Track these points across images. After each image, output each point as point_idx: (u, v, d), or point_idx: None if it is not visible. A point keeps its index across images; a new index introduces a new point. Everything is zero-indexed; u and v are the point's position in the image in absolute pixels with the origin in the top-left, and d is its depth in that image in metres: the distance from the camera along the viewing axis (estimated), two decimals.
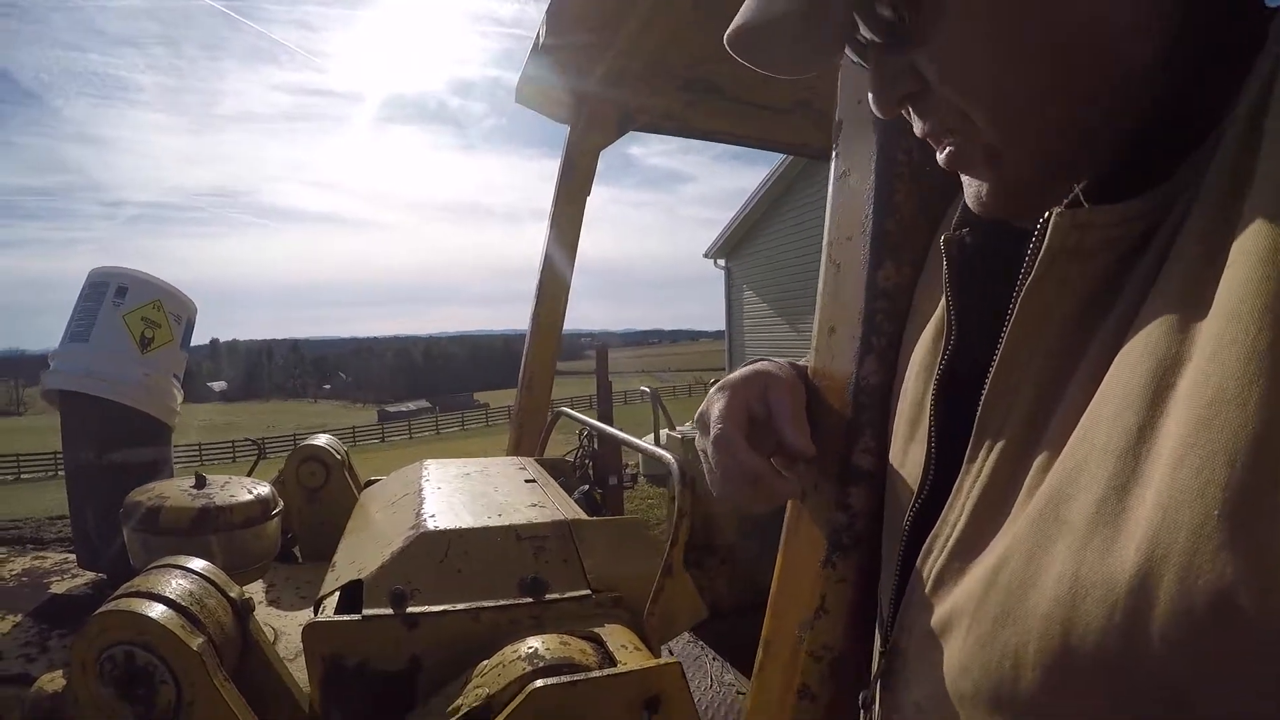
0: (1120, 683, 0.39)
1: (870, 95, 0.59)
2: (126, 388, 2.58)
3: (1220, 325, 0.37)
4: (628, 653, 1.45)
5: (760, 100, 2.82)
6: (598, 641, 1.48)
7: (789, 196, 14.85)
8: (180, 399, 2.88)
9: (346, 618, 1.51)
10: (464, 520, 1.76)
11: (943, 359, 0.64)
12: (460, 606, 1.54)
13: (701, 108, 2.84)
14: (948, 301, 0.65)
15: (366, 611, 1.52)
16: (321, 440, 2.91)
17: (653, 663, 1.38)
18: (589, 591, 1.64)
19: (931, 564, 0.57)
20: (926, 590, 0.57)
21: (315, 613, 1.61)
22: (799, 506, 0.89)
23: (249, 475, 2.53)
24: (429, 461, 2.55)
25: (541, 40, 2.34)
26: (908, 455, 0.70)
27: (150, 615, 1.32)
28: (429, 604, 1.54)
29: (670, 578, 1.59)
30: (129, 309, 2.69)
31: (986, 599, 0.49)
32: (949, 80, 0.52)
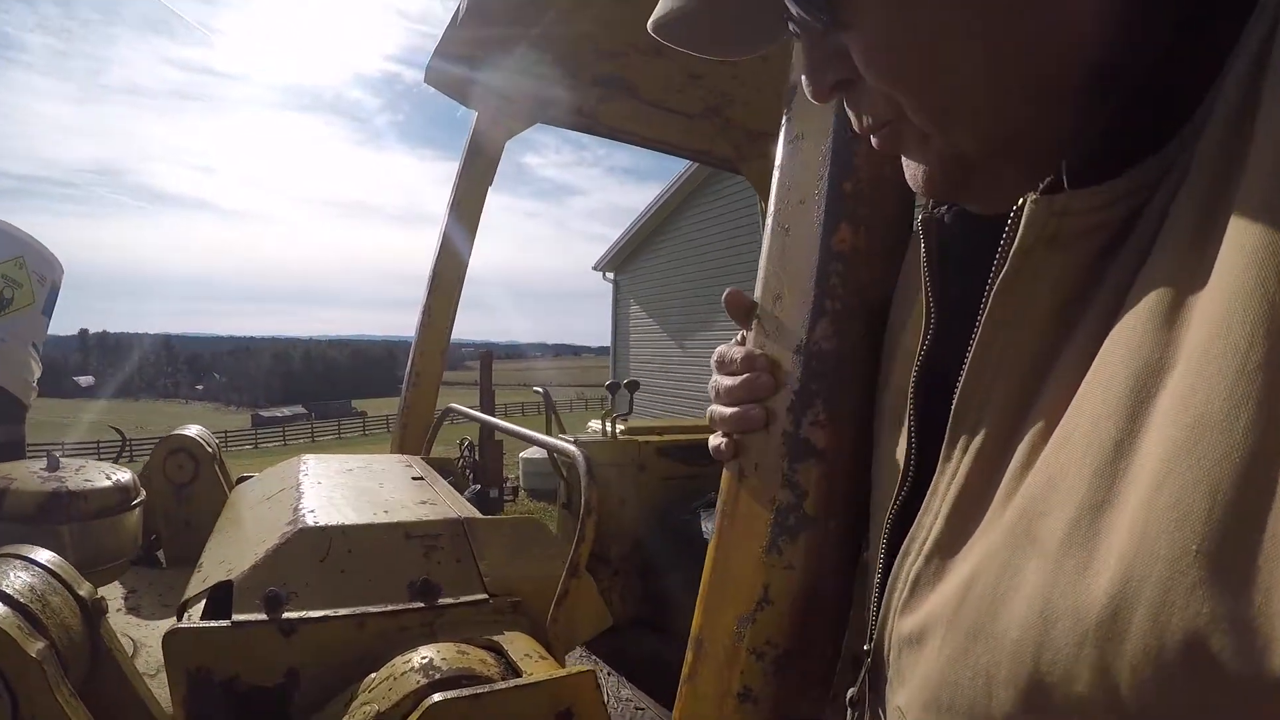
0: (1090, 715, 0.37)
1: (804, 79, 0.57)
2: None
3: (1208, 335, 0.34)
4: (532, 662, 1.35)
5: (672, 105, 2.79)
6: (498, 651, 1.38)
7: (683, 212, 14.86)
8: (38, 372, 2.64)
9: (214, 624, 1.35)
10: (347, 516, 1.62)
11: (922, 346, 0.62)
12: (343, 612, 1.40)
13: (613, 106, 2.78)
14: (925, 285, 0.62)
15: (237, 617, 1.36)
16: (192, 431, 2.72)
17: (563, 672, 1.29)
18: (486, 596, 1.53)
19: (909, 566, 0.55)
20: (905, 593, 0.55)
21: (179, 619, 1.43)
22: (736, 487, 0.81)
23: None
24: (308, 457, 2.38)
25: (459, 18, 2.24)
26: (890, 448, 0.67)
27: None
28: (308, 608, 1.40)
29: (576, 579, 1.50)
30: None
31: (960, 613, 0.47)
32: (874, 65, 0.50)
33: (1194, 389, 0.34)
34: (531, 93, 2.69)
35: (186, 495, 2.58)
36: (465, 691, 1.17)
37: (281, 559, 1.48)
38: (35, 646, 1.18)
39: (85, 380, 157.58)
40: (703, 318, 13.83)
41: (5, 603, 1.21)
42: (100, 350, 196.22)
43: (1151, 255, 0.41)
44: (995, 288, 0.49)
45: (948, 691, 0.47)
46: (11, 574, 1.28)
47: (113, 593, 2.19)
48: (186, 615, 1.44)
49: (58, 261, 2.62)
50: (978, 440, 0.50)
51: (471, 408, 3.36)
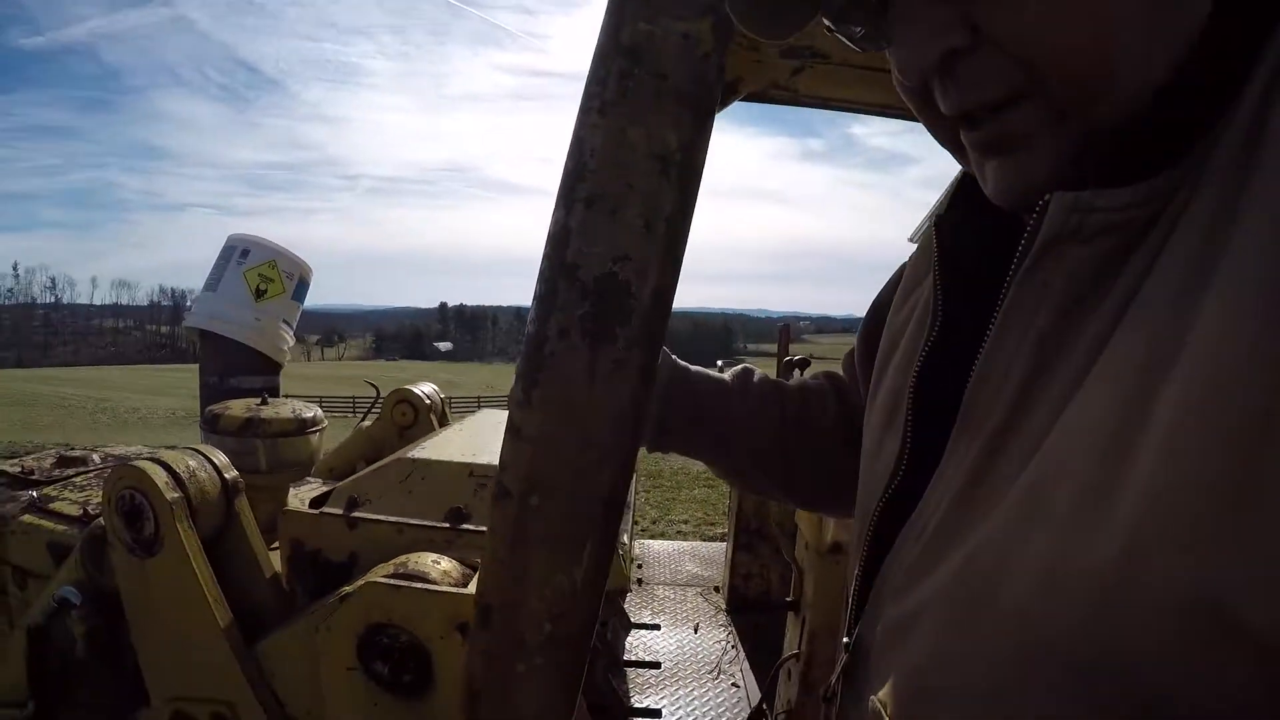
0: (1096, 680, 0.37)
1: (901, 55, 0.51)
2: (242, 328, 3.25)
3: (1222, 315, 0.35)
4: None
5: (869, 63, 2.72)
6: (475, 569, 1.63)
7: None
8: (291, 341, 3.54)
9: (306, 510, 1.81)
10: (440, 454, 1.97)
11: (926, 344, 0.62)
12: (391, 519, 1.76)
13: (809, 76, 2.78)
14: (936, 285, 0.62)
15: (325, 510, 1.80)
16: (418, 388, 3.19)
17: (466, 593, 1.48)
18: None
19: (905, 558, 0.54)
20: (896, 585, 0.54)
21: (312, 508, 1.88)
22: None
23: (365, 415, 3.11)
24: (485, 411, 2.85)
25: None
26: (882, 447, 0.67)
27: (147, 471, 1.70)
28: (374, 513, 1.79)
29: None
30: (249, 266, 3.33)
31: (956, 591, 0.46)
32: (1023, 26, 0.45)
33: (1207, 362, 0.35)
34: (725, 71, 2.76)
35: (407, 436, 3.04)
36: (388, 580, 1.49)
37: (375, 476, 1.91)
38: (172, 495, 1.70)
39: (444, 345, 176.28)
40: None
41: (165, 469, 1.74)
42: (458, 320, 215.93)
43: (1166, 251, 0.41)
44: (1016, 277, 0.49)
45: (939, 672, 0.47)
46: (185, 457, 1.84)
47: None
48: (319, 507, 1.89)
49: (304, 262, 3.53)
50: (988, 427, 0.49)
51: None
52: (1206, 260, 0.38)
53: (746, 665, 2.87)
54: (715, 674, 2.86)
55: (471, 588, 1.53)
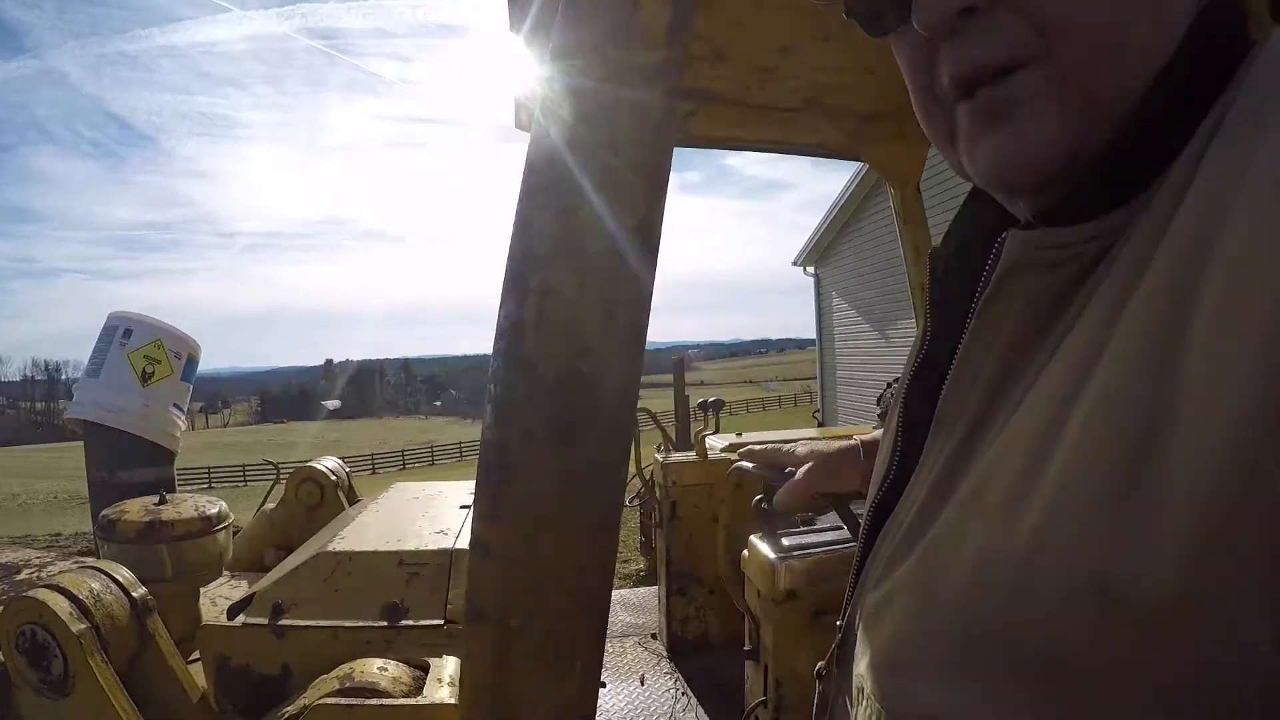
0: (1018, 652, 0.41)
1: (920, 13, 0.51)
2: (129, 417, 3.04)
3: (1117, 356, 0.40)
4: (439, 686, 1.48)
5: (762, 102, 2.73)
6: (425, 670, 1.54)
7: (873, 197, 14.15)
8: (183, 426, 3.33)
9: (229, 623, 1.69)
10: (363, 544, 1.87)
11: (917, 357, 0.67)
12: (322, 623, 1.65)
13: (702, 118, 2.77)
14: (928, 307, 0.68)
15: (247, 620, 1.68)
16: (322, 464, 3.08)
17: (426, 701, 1.41)
18: (442, 621, 1.69)
19: (887, 548, 0.59)
20: (877, 574, 0.59)
21: (229, 618, 1.75)
22: None
23: (266, 498, 2.98)
24: (399, 485, 2.71)
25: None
26: (883, 449, 0.72)
27: (48, 603, 1.57)
28: (303, 618, 1.67)
29: None
30: (133, 348, 3.12)
31: (916, 576, 0.51)
32: None
33: (1104, 383, 0.40)
34: None
35: (315, 517, 2.92)
36: (344, 701, 1.37)
37: (296, 577, 1.78)
38: (78, 627, 1.57)
39: (331, 404, 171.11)
40: (906, 306, 13.41)
41: (66, 596, 1.61)
42: (345, 376, 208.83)
43: (1099, 290, 0.45)
44: (980, 303, 0.54)
45: (906, 647, 0.51)
46: (84, 579, 1.70)
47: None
48: (239, 616, 1.75)
49: (191, 339, 3.36)
50: (954, 439, 0.54)
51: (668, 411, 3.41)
52: (1127, 294, 0.42)
53: (700, 710, 2.81)
54: None
55: (431, 696, 1.45)
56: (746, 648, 1.94)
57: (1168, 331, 0.37)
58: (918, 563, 0.52)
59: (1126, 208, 0.46)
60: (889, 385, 3.06)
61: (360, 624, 1.63)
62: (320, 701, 1.36)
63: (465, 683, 0.74)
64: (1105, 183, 0.48)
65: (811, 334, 18.80)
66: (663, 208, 0.71)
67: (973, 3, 0.48)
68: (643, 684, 3.15)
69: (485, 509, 0.70)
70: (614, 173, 0.68)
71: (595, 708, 0.76)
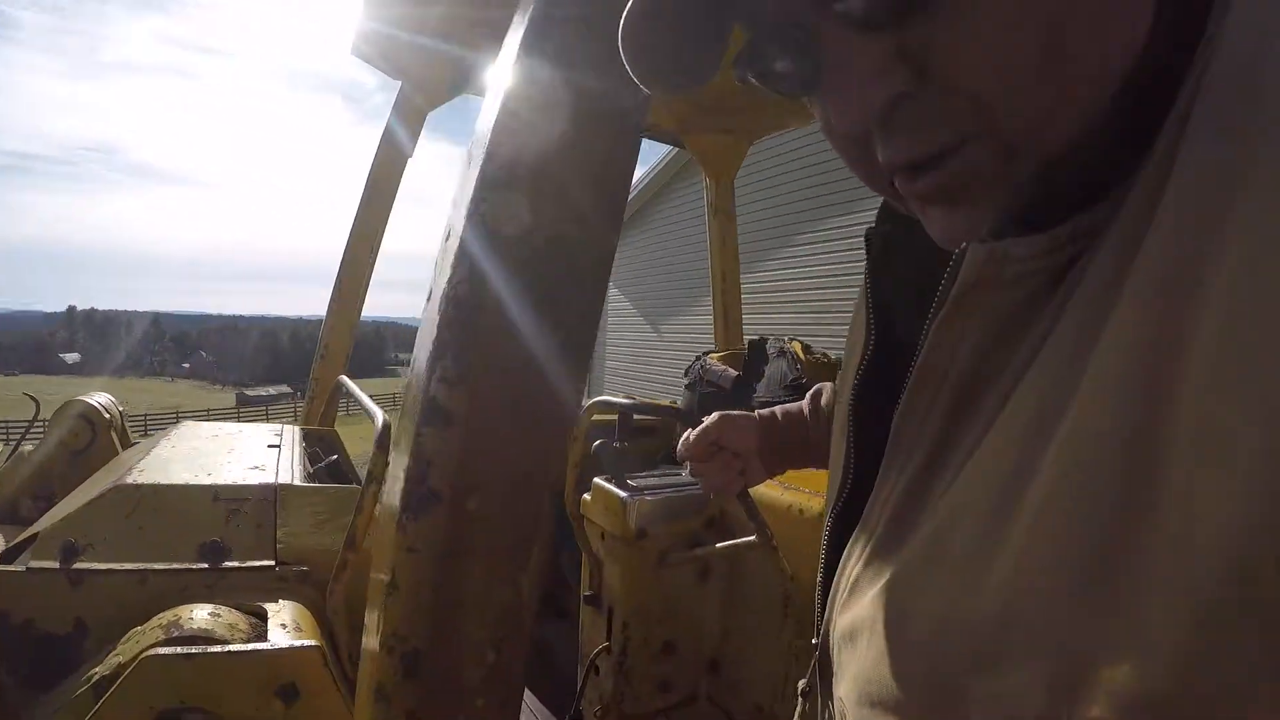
0: (987, 714, 0.38)
1: (837, 105, 0.45)
2: None
3: (1093, 385, 0.36)
4: (285, 632, 1.33)
5: None
6: (262, 617, 1.38)
7: (665, 197, 14.33)
8: None
9: (8, 568, 1.40)
10: (170, 477, 1.65)
11: (863, 362, 0.63)
12: (128, 566, 1.43)
13: None
14: (866, 299, 0.63)
15: (32, 564, 1.41)
16: (93, 399, 2.71)
17: (285, 645, 1.26)
18: (273, 563, 1.54)
19: (851, 569, 0.56)
20: (845, 594, 0.56)
21: (6, 563, 1.47)
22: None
23: (24, 436, 2.60)
24: (186, 423, 2.45)
25: None
26: (837, 454, 0.68)
27: None
28: (104, 561, 1.43)
29: (353, 552, 1.44)
30: None
31: (879, 618, 0.49)
32: (972, 55, 0.40)
33: (1078, 433, 0.36)
34: (455, 61, 2.62)
35: (82, 462, 2.54)
36: (180, 650, 1.17)
37: (90, 514, 1.52)
38: None
39: (71, 358, 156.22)
40: (680, 303, 13.50)
41: None
42: (88, 327, 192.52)
43: (1069, 304, 0.41)
44: (933, 325, 0.49)
45: (874, 687, 0.48)
46: None
47: None
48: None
49: None
50: (915, 460, 0.51)
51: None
52: (1098, 317, 0.38)
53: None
54: None
55: (280, 642, 1.29)
56: (587, 593, 1.91)
57: (1150, 380, 0.33)
58: (880, 606, 0.49)
59: (1098, 208, 0.42)
60: (698, 358, 3.15)
61: (175, 566, 1.44)
62: (148, 653, 1.16)
63: (403, 586, 0.67)
64: (1073, 186, 0.45)
65: None
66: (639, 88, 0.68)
67: (899, 91, 0.43)
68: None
69: (446, 371, 0.65)
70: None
71: (531, 619, 0.70)
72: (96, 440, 2.58)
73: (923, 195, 0.47)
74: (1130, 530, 0.32)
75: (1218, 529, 0.30)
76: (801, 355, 2.70)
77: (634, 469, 1.96)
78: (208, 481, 1.62)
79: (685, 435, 1.13)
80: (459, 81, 2.74)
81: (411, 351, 0.73)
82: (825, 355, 2.86)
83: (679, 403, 3.20)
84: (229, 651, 1.20)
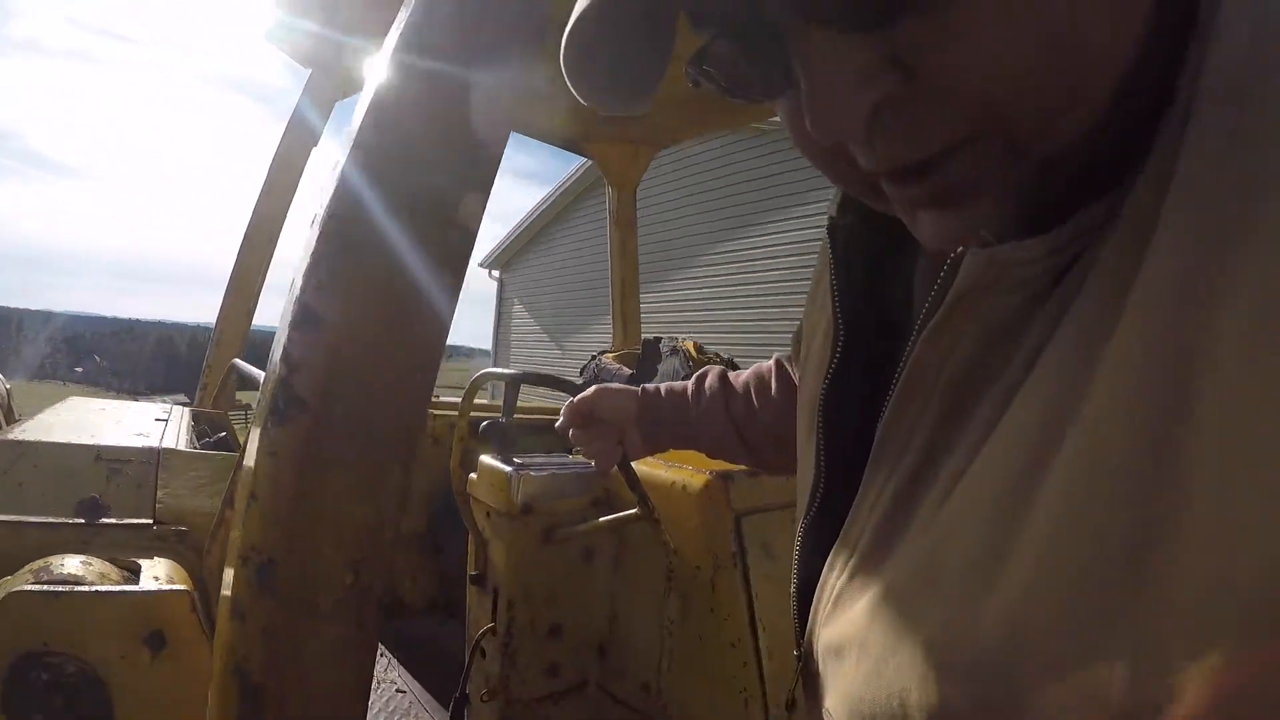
0: None
1: (815, 110, 0.41)
2: None
3: (1108, 395, 0.34)
4: (157, 584, 1.32)
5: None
6: (135, 571, 1.37)
7: (573, 211, 14.61)
8: None
9: None
10: (52, 436, 1.66)
11: (832, 363, 0.60)
12: (3, 518, 1.42)
13: None
14: (833, 296, 0.59)
15: None
16: None
17: (152, 589, 1.25)
18: (151, 521, 1.53)
19: (834, 581, 0.53)
20: (829, 606, 0.54)
21: None
22: None
23: None
24: (76, 399, 2.47)
25: None
26: (804, 456, 0.66)
27: None
28: None
29: (232, 510, 1.42)
30: None
31: (870, 635, 0.46)
32: (974, 60, 0.37)
33: (1089, 448, 0.34)
34: (365, 53, 2.62)
35: None
36: (43, 587, 1.15)
37: None
38: None
39: None
40: (583, 319, 13.69)
41: None
42: None
43: (1072, 307, 0.39)
44: (923, 334, 0.47)
45: (866, 706, 0.46)
46: None
47: None
48: None
49: None
50: (900, 473, 0.49)
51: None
52: (1107, 319, 0.35)
53: (402, 669, 2.72)
54: (374, 684, 2.67)
55: (149, 586, 1.28)
56: (472, 572, 1.91)
57: (1172, 387, 0.31)
58: (869, 627, 0.46)
59: (1095, 206, 0.40)
60: (593, 357, 3.17)
61: (50, 520, 1.43)
62: (11, 590, 1.13)
63: (263, 495, 0.66)
64: (1074, 184, 0.42)
65: (487, 344, 19.05)
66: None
67: (886, 94, 0.39)
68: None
69: (320, 278, 0.66)
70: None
71: (391, 536, 0.70)
72: None
73: (917, 200, 0.44)
74: (1154, 540, 0.30)
75: (1253, 535, 0.28)
76: (694, 354, 2.73)
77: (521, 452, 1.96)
78: (90, 442, 1.61)
79: (568, 403, 1.14)
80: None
81: None
82: (718, 355, 2.90)
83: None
84: (95, 592, 1.17)
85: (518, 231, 16.38)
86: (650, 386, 1.15)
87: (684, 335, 3.17)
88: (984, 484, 0.40)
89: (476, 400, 2.15)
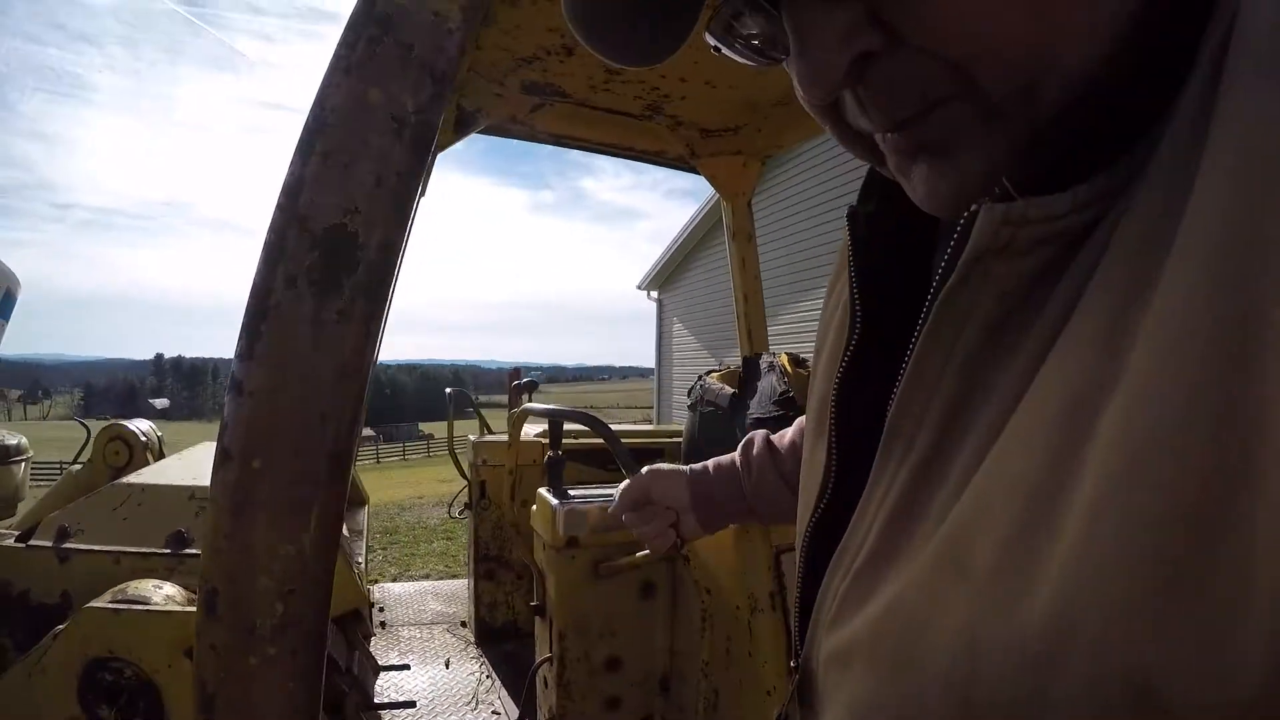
0: None
1: (802, 69, 0.43)
2: None
3: (1154, 354, 0.31)
4: None
5: (606, 104, 2.77)
6: None
7: (721, 227, 14.57)
8: None
9: (11, 544, 1.65)
10: (158, 479, 1.87)
11: (846, 352, 0.57)
12: (107, 548, 1.63)
13: (550, 113, 2.81)
14: (851, 285, 0.57)
15: (32, 542, 1.65)
16: (133, 424, 2.98)
17: (188, 610, 1.40)
18: None
19: (838, 585, 0.51)
20: (832, 611, 0.51)
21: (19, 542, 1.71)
22: None
23: (75, 458, 2.89)
24: (207, 442, 2.67)
25: None
26: (814, 456, 0.63)
27: None
28: (86, 543, 1.65)
29: None
30: None
31: (883, 639, 0.44)
32: (943, 19, 0.38)
33: (1137, 412, 0.31)
34: (460, 103, 2.76)
35: (124, 475, 2.84)
36: (109, 604, 1.37)
37: (89, 504, 1.77)
38: None
39: (160, 403, 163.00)
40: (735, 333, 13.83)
41: None
42: (176, 374, 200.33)
43: (1100, 268, 0.37)
44: (939, 298, 0.44)
45: (879, 715, 0.44)
46: None
47: None
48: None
49: (10, 271, 3.06)
50: (913, 457, 0.46)
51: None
52: (1142, 279, 0.33)
53: (504, 692, 2.82)
54: (473, 704, 2.78)
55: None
56: (533, 603, 1.95)
57: (1237, 349, 0.28)
58: (882, 625, 0.44)
59: (1118, 165, 0.39)
60: (700, 378, 3.11)
61: (143, 550, 1.62)
62: (88, 606, 1.36)
63: (207, 534, 0.77)
64: (1088, 142, 0.41)
65: (653, 363, 19.02)
66: (443, 102, 0.80)
67: (864, 50, 0.40)
68: (448, 667, 3.14)
69: (243, 348, 0.75)
70: (405, 64, 0.78)
71: (330, 574, 0.79)
72: (134, 459, 2.82)
73: (902, 150, 0.45)
74: (1224, 507, 0.28)
75: None
76: (789, 368, 2.65)
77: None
78: (188, 483, 1.80)
79: (620, 487, 1.14)
80: (466, 122, 2.84)
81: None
82: None
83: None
84: (148, 610, 1.36)
85: (671, 251, 16.28)
86: (698, 466, 1.14)
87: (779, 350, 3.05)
88: (1013, 465, 0.37)
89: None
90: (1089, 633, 0.30)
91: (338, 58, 0.76)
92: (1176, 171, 0.34)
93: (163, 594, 1.44)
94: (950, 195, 0.44)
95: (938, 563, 0.40)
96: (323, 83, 0.77)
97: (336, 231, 0.75)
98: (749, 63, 0.48)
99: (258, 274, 0.76)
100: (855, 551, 0.49)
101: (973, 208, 0.41)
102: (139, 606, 1.36)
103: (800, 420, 1.05)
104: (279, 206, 0.76)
